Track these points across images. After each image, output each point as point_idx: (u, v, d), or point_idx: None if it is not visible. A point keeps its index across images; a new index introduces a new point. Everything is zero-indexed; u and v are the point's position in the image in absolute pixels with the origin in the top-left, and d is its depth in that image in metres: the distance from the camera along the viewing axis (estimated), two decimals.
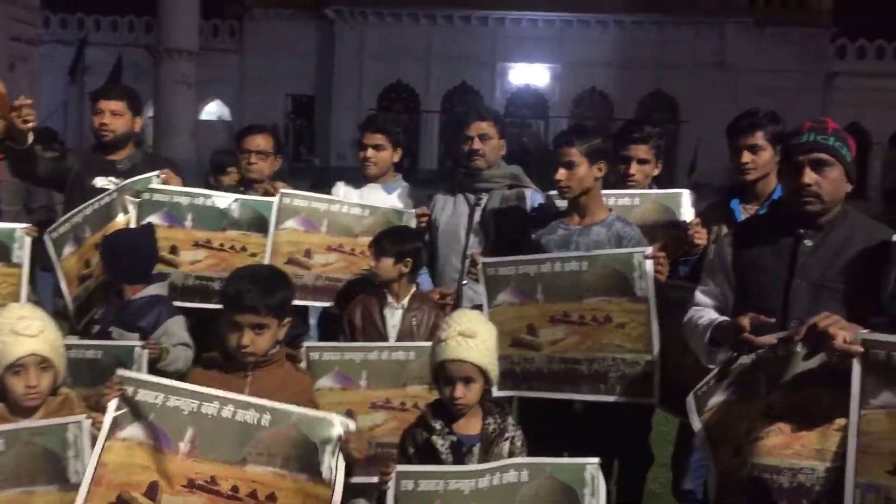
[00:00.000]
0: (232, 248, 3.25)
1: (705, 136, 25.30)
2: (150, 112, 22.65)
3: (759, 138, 2.90)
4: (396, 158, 3.59)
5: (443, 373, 2.11)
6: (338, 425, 2.02)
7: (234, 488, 1.97)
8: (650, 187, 3.27)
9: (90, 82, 27.26)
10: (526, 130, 28.81)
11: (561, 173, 2.77)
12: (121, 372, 2.07)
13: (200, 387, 2.09)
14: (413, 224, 3.33)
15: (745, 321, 2.02)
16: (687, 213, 3.03)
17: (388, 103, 28.20)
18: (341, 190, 3.59)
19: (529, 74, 27.67)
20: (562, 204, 3.00)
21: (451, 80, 27.66)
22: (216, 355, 2.25)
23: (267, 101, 27.71)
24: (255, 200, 3.33)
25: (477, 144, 3.28)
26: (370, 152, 3.46)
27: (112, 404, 2.00)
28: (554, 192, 3.08)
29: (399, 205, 3.45)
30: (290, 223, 3.28)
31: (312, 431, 2.01)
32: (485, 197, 3.31)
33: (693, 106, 26.45)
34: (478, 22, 27.04)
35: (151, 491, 1.97)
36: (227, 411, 2.02)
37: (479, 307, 2.81)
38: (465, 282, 3.25)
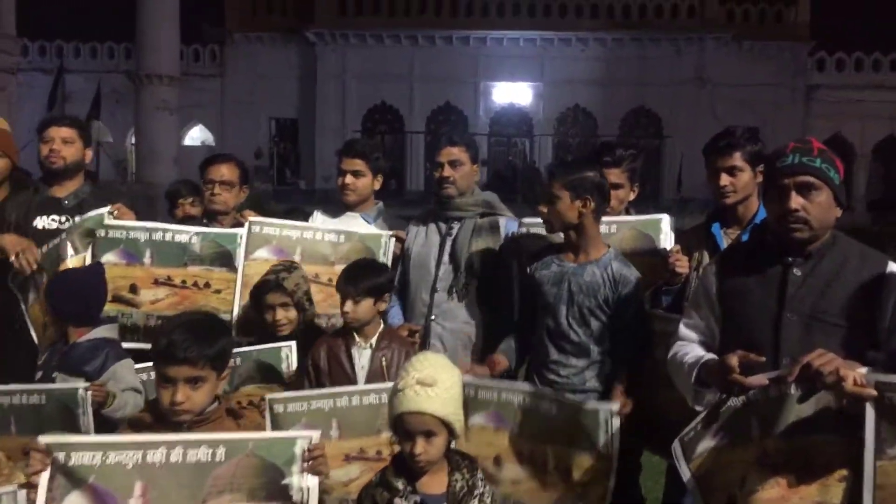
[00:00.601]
0: (195, 284, 3.06)
1: (688, 151, 25.47)
2: (132, 139, 22.50)
3: (738, 159, 2.75)
4: (377, 186, 3.43)
5: (401, 426, 1.92)
6: (299, 441, 1.90)
7: None
8: (628, 212, 3.12)
9: (70, 109, 27.09)
10: (512, 149, 28.84)
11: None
12: (44, 439, 1.85)
13: (142, 435, 1.91)
14: (391, 248, 3.18)
15: (734, 360, 1.87)
16: (666, 239, 2.87)
17: (372, 125, 28.21)
18: (318, 219, 3.42)
19: (513, 93, 27.76)
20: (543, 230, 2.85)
21: (435, 101, 27.70)
22: (145, 415, 2.04)
23: (250, 125, 27.64)
24: (217, 233, 3.16)
25: (447, 171, 3.12)
26: (349, 179, 3.30)
27: (43, 479, 1.79)
28: (530, 220, 2.94)
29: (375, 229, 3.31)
30: (261, 253, 3.10)
31: (273, 454, 1.88)
32: (456, 226, 3.15)
33: (676, 121, 26.65)
34: (459, 42, 27.14)
35: None
36: (176, 455, 1.84)
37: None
38: (433, 317, 3.09)
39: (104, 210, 3.10)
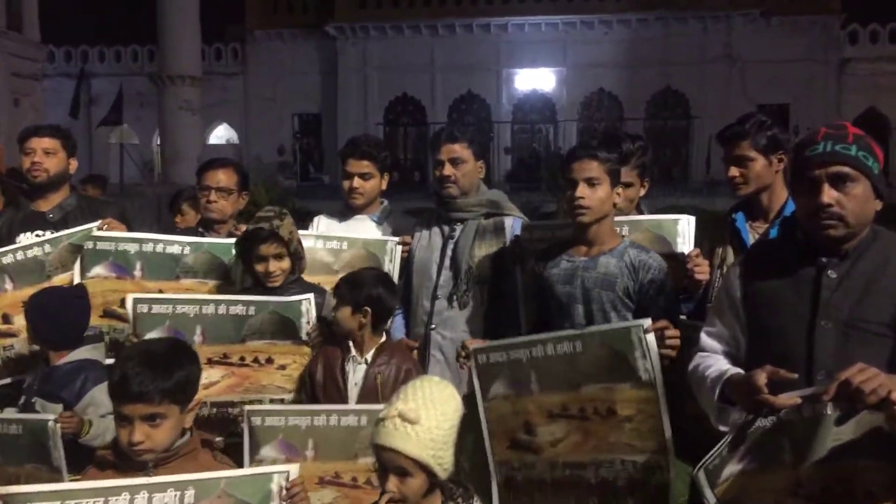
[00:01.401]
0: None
1: (717, 132, 24.89)
2: (157, 140, 22.67)
3: (746, 148, 2.53)
4: (384, 186, 3.25)
5: (378, 456, 1.76)
6: (275, 477, 1.81)
7: None
8: (640, 212, 2.87)
9: (96, 113, 27.50)
10: (536, 136, 28.47)
11: (583, 191, 2.35)
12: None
13: (102, 481, 1.76)
14: (398, 254, 3.00)
15: (762, 378, 1.66)
16: (685, 242, 2.62)
17: (394, 117, 28.07)
18: (322, 224, 3.26)
19: (535, 79, 27.36)
20: (563, 233, 2.63)
21: (457, 90, 27.44)
22: (108, 453, 1.88)
23: (273, 121, 27.70)
24: (212, 244, 3.00)
25: (448, 170, 2.92)
26: (357, 182, 3.12)
27: None
28: (537, 222, 2.72)
29: (386, 234, 3.14)
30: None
31: (247, 493, 1.78)
32: (458, 228, 2.95)
33: (704, 102, 26.00)
34: (480, 29, 26.80)
35: None
36: (140, 500, 1.72)
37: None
38: (433, 326, 2.91)
39: (92, 225, 2.98)
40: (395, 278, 2.98)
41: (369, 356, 2.57)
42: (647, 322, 2.14)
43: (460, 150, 2.93)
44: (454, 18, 26.66)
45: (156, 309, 2.64)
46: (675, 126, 26.66)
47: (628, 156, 2.67)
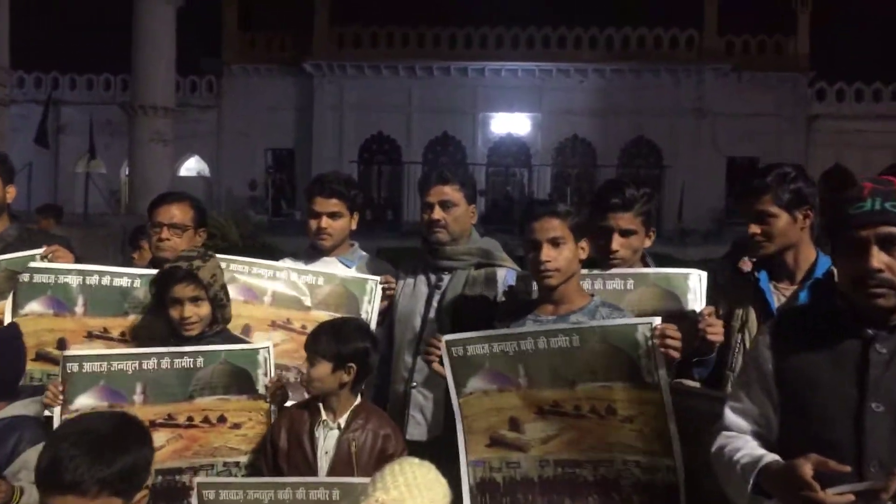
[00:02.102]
0: (136, 337, 2.61)
1: (689, 181, 25.22)
2: (126, 170, 22.22)
3: (767, 203, 2.32)
4: (354, 226, 3.00)
5: None
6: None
7: None
8: (645, 264, 2.63)
9: (64, 141, 27.01)
10: (510, 179, 28.57)
11: (548, 253, 2.18)
12: None
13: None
14: (378, 296, 2.74)
15: (808, 470, 1.44)
16: (696, 299, 2.38)
17: (369, 155, 27.99)
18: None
19: (511, 123, 27.56)
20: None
21: (433, 131, 27.52)
22: None
23: (246, 156, 27.42)
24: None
25: (438, 213, 2.69)
26: (325, 221, 2.86)
27: None
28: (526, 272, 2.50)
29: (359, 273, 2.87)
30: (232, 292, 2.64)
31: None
32: (446, 278, 2.72)
33: (675, 152, 26.42)
34: (457, 73, 27.01)
35: None
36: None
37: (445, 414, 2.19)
38: (414, 384, 2.66)
39: (35, 252, 2.66)
40: (373, 323, 2.73)
41: (343, 420, 2.27)
42: (657, 321, 2.03)
43: (451, 192, 2.70)
44: (432, 61, 26.86)
45: (88, 367, 2.29)
46: (647, 174, 26.89)
47: (632, 202, 2.46)
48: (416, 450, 2.51)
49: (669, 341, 2.01)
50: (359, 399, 2.34)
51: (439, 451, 2.22)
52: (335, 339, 2.27)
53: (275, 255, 3.09)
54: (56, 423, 2.25)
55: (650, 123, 26.70)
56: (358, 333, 2.34)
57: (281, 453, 2.25)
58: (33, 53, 24.79)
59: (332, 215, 2.87)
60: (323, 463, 2.22)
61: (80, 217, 20.21)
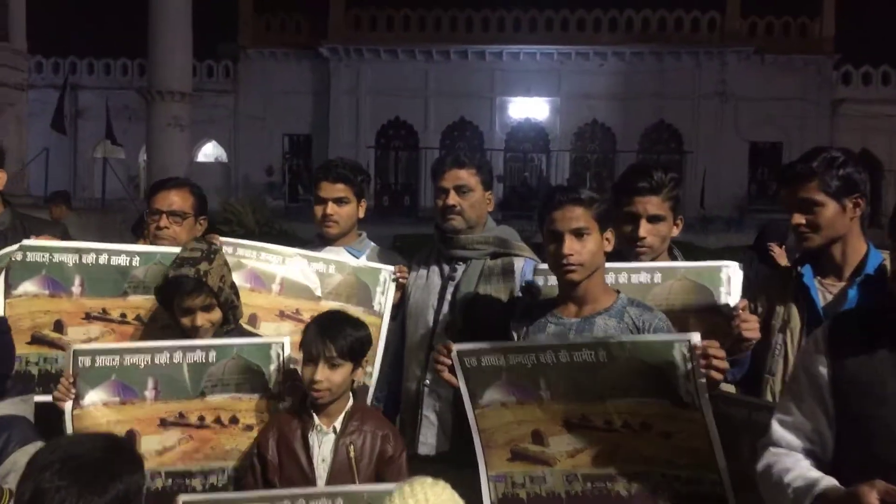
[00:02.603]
0: (137, 318, 2.46)
1: (711, 166, 24.83)
2: (144, 155, 22.26)
3: (813, 191, 2.12)
4: (361, 213, 2.87)
5: None
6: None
7: None
8: (672, 255, 2.41)
9: (82, 126, 27.09)
10: (528, 165, 28.30)
11: (571, 245, 1.98)
12: None
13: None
14: (391, 289, 2.60)
15: (872, 499, 1.28)
16: (730, 293, 2.19)
17: (386, 140, 27.84)
18: None
19: (529, 108, 27.26)
20: (551, 291, 2.23)
21: (450, 116, 27.28)
22: None
23: (263, 141, 27.37)
24: (166, 254, 2.47)
25: (453, 199, 2.52)
26: (331, 207, 2.74)
27: None
28: (545, 266, 2.28)
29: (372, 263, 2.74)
30: (234, 277, 2.48)
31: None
32: (460, 268, 2.56)
33: (696, 136, 26.02)
34: (475, 57, 26.71)
35: None
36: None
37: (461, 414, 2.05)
38: (426, 382, 2.49)
39: (13, 249, 2.47)
40: (386, 316, 2.59)
41: (338, 423, 2.10)
42: (696, 337, 1.80)
43: (467, 176, 2.54)
44: (449, 45, 26.58)
45: (100, 361, 2.18)
46: (668, 160, 26.50)
47: (660, 186, 2.29)
48: (429, 461, 2.40)
49: (713, 361, 1.78)
50: (352, 398, 2.16)
51: (454, 461, 2.10)
52: (352, 332, 2.09)
53: (291, 241, 2.98)
54: (68, 420, 2.16)
55: (671, 107, 26.29)
56: (354, 321, 2.18)
57: (271, 467, 2.08)
58: (51, 38, 24.89)
59: (339, 201, 2.74)
60: (321, 471, 2.06)
61: (98, 202, 20.29)
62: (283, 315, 2.56)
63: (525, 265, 2.52)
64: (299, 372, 2.15)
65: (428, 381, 2.49)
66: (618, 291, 2.10)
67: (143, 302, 2.47)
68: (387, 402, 2.66)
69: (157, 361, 2.19)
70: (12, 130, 18.21)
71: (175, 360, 2.19)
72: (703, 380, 1.79)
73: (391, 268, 2.64)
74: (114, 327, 2.45)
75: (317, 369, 2.05)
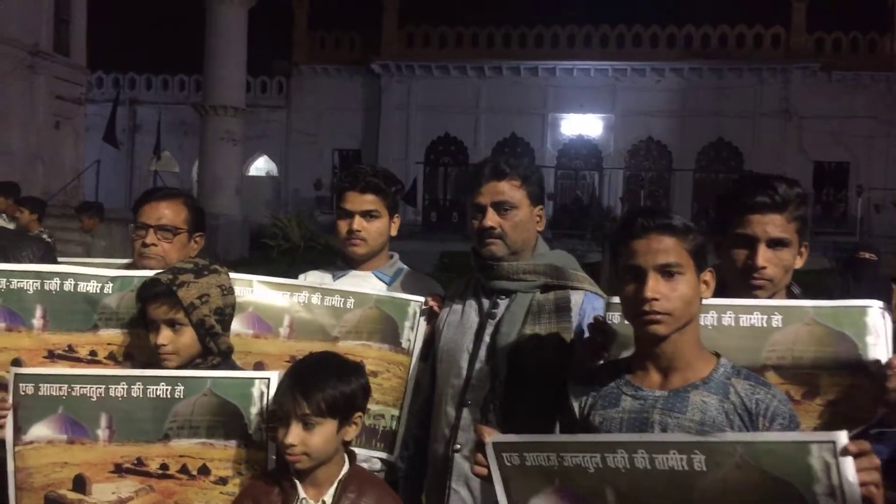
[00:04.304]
0: (110, 356, 2.06)
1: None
2: (197, 169, 22.54)
3: None
4: (394, 231, 2.44)
5: None
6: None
7: None
8: (790, 293, 1.87)
9: (140, 140, 27.67)
10: (580, 183, 27.70)
11: (656, 287, 1.48)
12: None
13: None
14: (422, 324, 2.18)
15: None
16: (878, 344, 1.67)
17: (435, 156, 27.65)
18: (311, 282, 2.40)
19: (582, 125, 26.72)
20: (630, 332, 1.67)
21: (501, 132, 26.94)
22: None
23: (314, 156, 27.50)
24: (142, 278, 2.06)
25: (492, 219, 2.02)
26: (357, 223, 2.31)
27: None
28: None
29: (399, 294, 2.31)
30: (232, 325, 2.08)
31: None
32: (503, 303, 2.07)
33: (758, 156, 25.05)
34: (527, 73, 26.34)
35: None
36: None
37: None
38: (457, 446, 2.00)
39: None
40: (414, 357, 2.17)
41: (329, 496, 1.69)
42: (843, 437, 1.24)
43: (510, 190, 2.03)
44: (501, 61, 26.30)
45: (45, 389, 1.82)
46: (726, 180, 25.64)
47: (785, 202, 1.79)
48: None
49: (865, 474, 1.24)
50: (347, 463, 1.73)
51: None
52: (335, 382, 1.67)
53: (335, 256, 2.54)
54: (9, 453, 1.82)
55: (731, 125, 25.41)
56: (348, 365, 1.76)
57: None
58: (111, 54, 25.51)
59: (367, 215, 2.32)
60: None
61: None
62: (294, 361, 2.15)
63: (586, 301, 2.01)
64: None
65: (459, 446, 1.99)
66: (717, 355, 1.57)
67: (116, 337, 2.06)
68: (411, 463, 2.20)
69: (112, 394, 1.80)
70: (70, 143, 18.59)
71: (134, 394, 1.80)
72: (858, 498, 1.24)
73: (422, 299, 2.19)
74: (83, 368, 2.03)
75: (289, 430, 1.64)
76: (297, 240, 16.85)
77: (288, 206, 25.40)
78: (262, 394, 1.80)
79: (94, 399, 1.81)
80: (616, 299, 1.81)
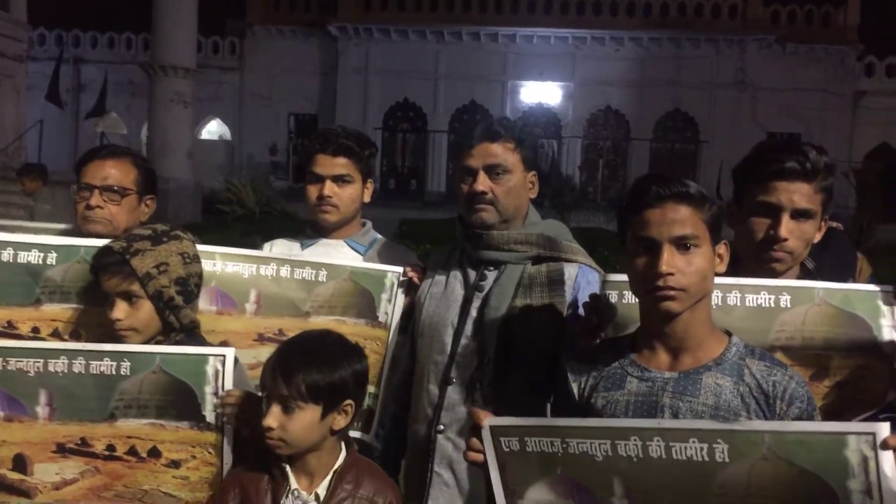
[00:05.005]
0: (55, 333, 1.90)
1: (728, 157, 24.17)
2: (146, 131, 21.75)
3: None
4: (367, 197, 2.30)
5: None
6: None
7: None
8: (804, 271, 1.76)
9: (84, 100, 26.53)
10: (539, 151, 27.67)
11: (672, 260, 1.35)
12: None
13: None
14: (401, 296, 2.04)
15: None
16: (892, 325, 1.61)
17: (394, 122, 27.27)
18: (278, 251, 2.26)
19: (541, 92, 26.61)
20: (629, 312, 1.61)
21: (460, 99, 26.66)
22: None
23: (269, 120, 26.84)
24: (89, 247, 1.91)
25: (483, 182, 1.87)
26: (328, 188, 2.17)
27: None
28: (621, 277, 1.66)
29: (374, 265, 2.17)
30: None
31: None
32: (491, 275, 1.93)
33: (714, 126, 25.38)
34: (487, 38, 26.04)
35: None
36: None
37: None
38: (441, 427, 1.89)
39: None
40: (392, 331, 2.04)
41: (322, 488, 1.56)
42: (884, 429, 1.14)
43: (503, 153, 1.89)
44: (461, 26, 25.91)
45: None
46: (682, 150, 25.91)
47: (815, 171, 1.64)
48: None
49: None
50: (344, 451, 1.61)
51: None
52: (321, 365, 1.53)
53: (293, 222, 2.37)
54: None
55: (688, 95, 25.61)
56: (344, 349, 1.61)
57: None
58: (54, 10, 24.27)
59: (339, 179, 2.18)
60: None
61: None
62: (262, 339, 1.98)
63: (580, 274, 1.88)
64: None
65: (442, 427, 1.88)
66: (728, 333, 1.46)
67: (61, 312, 1.88)
68: (387, 443, 2.07)
69: (51, 369, 1.65)
70: (10, 102, 17.73)
71: (75, 370, 1.64)
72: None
73: (399, 269, 2.06)
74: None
75: (268, 411, 1.51)
76: (252, 205, 16.48)
77: (242, 170, 24.81)
78: (217, 372, 1.65)
79: (32, 374, 1.65)
80: (613, 277, 1.72)
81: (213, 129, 28.38)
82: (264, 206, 16.70)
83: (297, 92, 26.79)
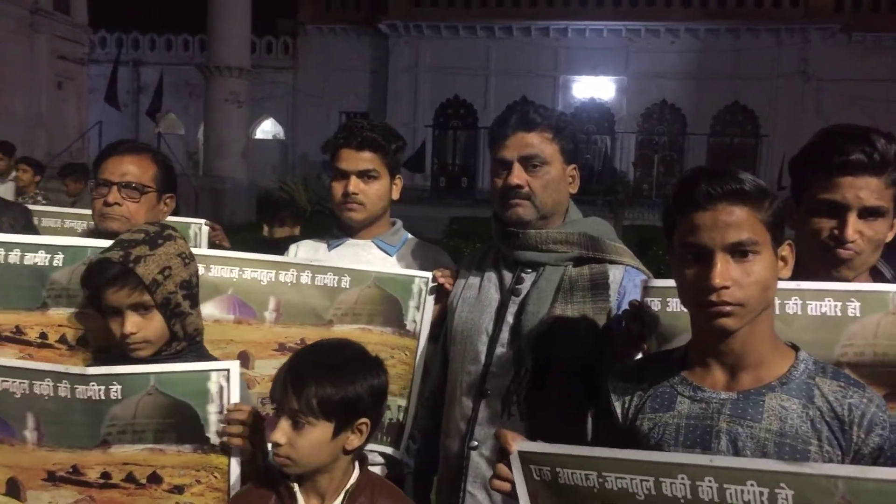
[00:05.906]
0: (62, 340, 1.81)
1: (790, 151, 23.29)
2: (201, 132, 22.22)
3: None
4: (396, 195, 2.18)
5: None
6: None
7: None
8: (876, 274, 1.58)
9: (144, 102, 27.22)
10: (591, 147, 27.23)
11: (726, 271, 1.18)
12: None
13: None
14: (429, 302, 1.92)
15: None
16: None
17: (444, 119, 27.21)
18: (303, 253, 2.20)
19: (594, 87, 26.13)
20: (674, 322, 1.45)
21: (511, 95, 26.33)
22: None
23: (321, 118, 27.06)
24: (97, 247, 1.84)
25: (518, 176, 1.73)
26: (354, 184, 2.06)
27: None
28: (664, 283, 1.51)
29: (402, 268, 2.06)
30: (207, 308, 1.87)
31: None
32: (529, 278, 1.79)
33: (775, 119, 24.49)
34: (538, 33, 25.70)
35: None
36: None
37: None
38: (474, 443, 1.75)
39: None
40: (423, 340, 1.92)
41: (338, 503, 1.46)
42: None
43: (540, 143, 1.75)
44: (512, 21, 25.65)
45: None
46: (742, 144, 25.07)
47: (884, 162, 1.45)
48: None
49: None
50: (357, 470, 1.50)
51: None
52: (335, 378, 1.41)
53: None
54: None
55: (747, 88, 24.77)
56: (361, 361, 1.48)
57: None
58: (116, 13, 25.00)
59: (365, 175, 2.07)
60: None
61: None
62: (284, 349, 1.89)
63: (626, 277, 1.73)
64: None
65: (476, 443, 1.75)
66: (795, 347, 1.29)
67: (68, 317, 1.81)
68: (419, 459, 1.97)
69: (36, 391, 1.54)
70: (73, 104, 18.32)
71: (61, 393, 1.54)
72: None
73: (428, 274, 1.93)
74: (31, 352, 1.80)
75: (277, 426, 1.41)
76: (304, 204, 16.60)
77: (295, 169, 25.09)
78: (221, 389, 1.53)
79: (18, 396, 1.56)
80: (656, 282, 1.56)
81: (267, 129, 28.82)
82: (316, 205, 16.81)
83: (349, 90, 26.97)
